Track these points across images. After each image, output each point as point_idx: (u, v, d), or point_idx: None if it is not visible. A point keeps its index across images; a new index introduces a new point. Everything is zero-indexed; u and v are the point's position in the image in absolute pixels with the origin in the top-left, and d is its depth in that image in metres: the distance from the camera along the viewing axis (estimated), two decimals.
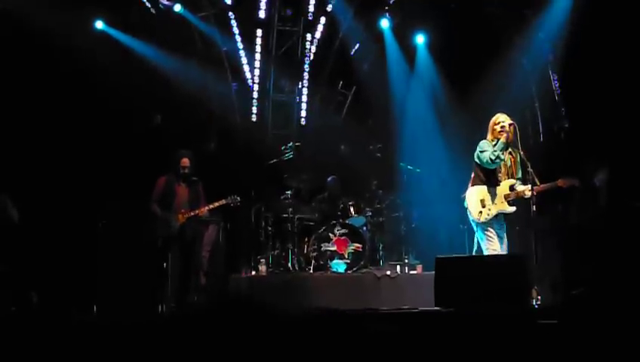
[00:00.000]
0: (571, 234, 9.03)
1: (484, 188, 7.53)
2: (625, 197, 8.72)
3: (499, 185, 7.56)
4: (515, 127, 7.46)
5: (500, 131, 7.55)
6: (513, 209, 7.52)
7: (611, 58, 9.50)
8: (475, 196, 7.53)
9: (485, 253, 7.45)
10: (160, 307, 8.90)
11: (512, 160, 7.61)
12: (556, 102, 10.85)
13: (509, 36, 11.06)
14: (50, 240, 9.34)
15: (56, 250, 9.36)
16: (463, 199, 7.69)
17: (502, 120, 7.60)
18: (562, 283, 8.51)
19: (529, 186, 7.42)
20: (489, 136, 7.64)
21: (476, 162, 7.60)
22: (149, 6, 10.91)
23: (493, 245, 7.45)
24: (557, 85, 10.69)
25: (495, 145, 7.51)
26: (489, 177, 7.57)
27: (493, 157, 7.41)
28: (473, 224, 7.60)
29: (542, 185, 7.44)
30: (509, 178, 7.61)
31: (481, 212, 7.46)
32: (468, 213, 7.61)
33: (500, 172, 7.61)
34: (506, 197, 7.51)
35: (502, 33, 11.04)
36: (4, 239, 8.51)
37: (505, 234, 7.58)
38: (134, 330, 5.49)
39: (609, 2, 9.46)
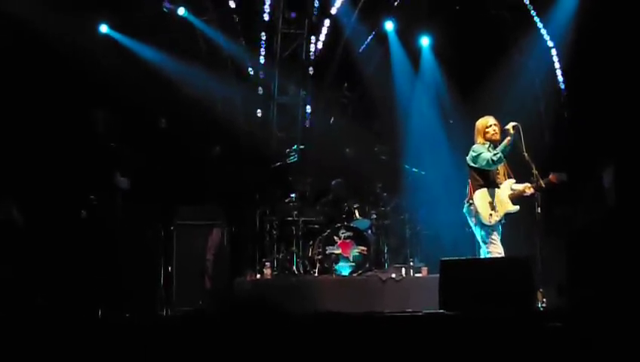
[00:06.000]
0: (577, 236, 8.99)
1: (488, 190, 7.51)
2: (633, 197, 8.69)
3: (499, 186, 7.56)
4: (519, 128, 7.43)
5: (493, 133, 7.57)
6: (517, 208, 7.53)
7: (618, 58, 9.46)
8: (482, 199, 7.48)
9: (488, 256, 7.41)
10: (165, 310, 8.91)
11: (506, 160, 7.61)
12: (562, 103, 10.83)
13: (514, 38, 11.04)
14: (55, 244, 9.31)
15: (61, 254, 9.33)
16: (466, 205, 7.63)
17: (492, 122, 7.65)
18: (568, 285, 8.48)
19: (527, 184, 7.51)
20: (479, 140, 7.66)
21: (472, 166, 7.58)
22: (153, 10, 10.92)
23: (497, 248, 7.43)
24: (562, 86, 10.67)
25: (490, 147, 7.52)
26: (489, 180, 7.56)
27: (495, 158, 7.39)
28: (477, 228, 7.55)
29: (536, 183, 7.45)
30: (507, 178, 7.63)
31: (491, 214, 7.42)
32: (474, 217, 7.54)
33: (499, 173, 7.61)
34: (510, 197, 7.51)
35: (507, 35, 11.02)
36: (9, 243, 8.50)
37: None
38: (138, 333, 5.48)
39: (615, 2, 9.42)
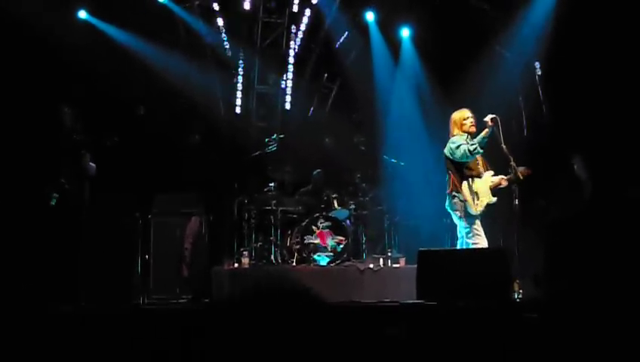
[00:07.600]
0: (554, 228, 9.05)
1: (473, 180, 7.55)
2: (610, 190, 8.76)
3: (481, 177, 7.60)
4: (497, 120, 7.46)
5: (470, 125, 7.63)
6: (495, 199, 7.59)
7: (597, 50, 9.51)
8: (468, 189, 7.52)
9: (473, 247, 7.44)
10: (142, 299, 8.87)
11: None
12: (540, 96, 10.87)
13: (493, 30, 11.06)
14: (30, 232, 9.22)
15: (38, 242, 9.25)
16: (448, 197, 7.64)
17: (469, 115, 7.71)
18: (544, 276, 8.54)
19: (502, 176, 7.61)
20: (456, 131, 7.70)
21: (450, 159, 7.60)
22: None
23: (481, 239, 7.47)
24: (540, 79, 10.70)
25: (467, 138, 7.57)
26: (472, 170, 7.59)
27: (472, 149, 7.44)
28: (461, 220, 7.55)
29: (513, 175, 7.52)
30: (486, 170, 7.69)
31: (477, 204, 7.47)
32: (459, 209, 7.55)
33: (479, 164, 7.66)
34: (490, 188, 7.57)
35: (487, 27, 11.03)
36: None
37: None
38: (116, 321, 5.45)
39: None
